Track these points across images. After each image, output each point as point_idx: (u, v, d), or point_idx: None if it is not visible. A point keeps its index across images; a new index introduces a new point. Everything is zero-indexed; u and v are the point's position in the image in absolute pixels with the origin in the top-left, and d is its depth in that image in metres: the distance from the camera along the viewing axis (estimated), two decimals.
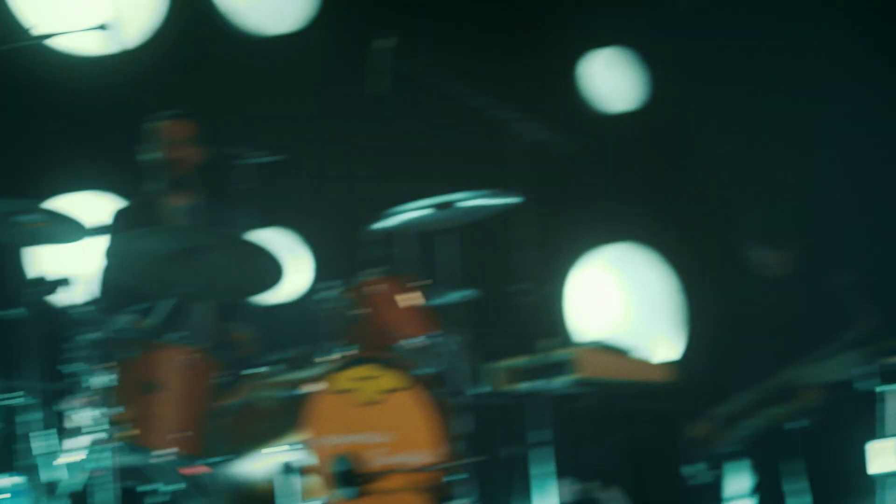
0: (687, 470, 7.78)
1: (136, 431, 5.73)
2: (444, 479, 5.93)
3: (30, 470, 5.59)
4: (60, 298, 5.64)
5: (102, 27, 5.90)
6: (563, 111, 9.91)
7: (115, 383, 5.65)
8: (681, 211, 10.43)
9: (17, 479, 5.54)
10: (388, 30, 6.51)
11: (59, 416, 5.73)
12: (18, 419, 5.65)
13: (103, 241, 6.34)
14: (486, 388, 7.57)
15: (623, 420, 7.89)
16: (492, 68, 9.19)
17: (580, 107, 10.42)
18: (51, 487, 5.62)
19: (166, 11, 8.72)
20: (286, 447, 5.68)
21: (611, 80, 10.58)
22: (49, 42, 6.95)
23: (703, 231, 10.26)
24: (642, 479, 8.79)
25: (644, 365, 7.75)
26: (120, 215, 6.95)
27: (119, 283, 6.11)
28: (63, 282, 5.44)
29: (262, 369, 6.21)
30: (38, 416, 5.48)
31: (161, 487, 6.12)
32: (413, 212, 6.78)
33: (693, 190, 10.40)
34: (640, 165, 10.58)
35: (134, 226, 6.59)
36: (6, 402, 5.82)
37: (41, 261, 7.96)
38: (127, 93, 8.45)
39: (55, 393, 5.55)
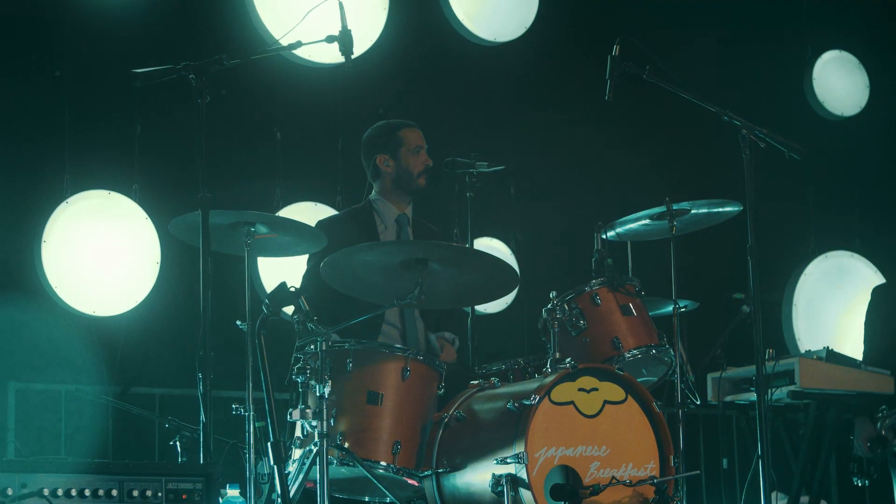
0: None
1: (356, 442, 5.77)
2: (662, 493, 5.86)
3: (254, 481, 5.69)
4: (291, 309, 5.72)
5: (332, 38, 5.98)
6: (790, 117, 9.82)
7: (337, 394, 5.70)
8: None
9: (238, 492, 5.63)
10: (608, 36, 6.49)
11: (285, 428, 5.83)
12: (246, 431, 5.74)
13: (317, 253, 6.42)
14: (706, 400, 7.50)
15: (842, 433, 7.73)
16: (717, 75, 9.14)
17: (805, 111, 10.29)
18: (270, 499, 5.72)
19: (390, 21, 8.86)
20: (503, 459, 5.66)
21: (837, 84, 10.42)
22: (284, 53, 7.11)
23: None
24: (854, 494, 8.62)
25: (869, 377, 7.58)
26: (330, 225, 6.87)
27: (339, 295, 6.13)
28: (300, 292, 5.50)
29: (482, 381, 6.22)
30: (264, 426, 5.56)
31: (378, 499, 6.25)
32: (636, 221, 6.78)
33: None
34: (861, 172, 10.41)
35: (351, 235, 6.59)
36: (235, 413, 5.94)
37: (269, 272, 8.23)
38: (350, 101, 8.61)
39: (281, 404, 5.63)
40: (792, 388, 7.37)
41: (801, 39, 10.37)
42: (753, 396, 7.03)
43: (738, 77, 9.73)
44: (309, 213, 8.36)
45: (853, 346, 8.92)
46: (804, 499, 7.59)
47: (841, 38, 10.53)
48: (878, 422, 7.38)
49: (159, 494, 4.96)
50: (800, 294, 10.11)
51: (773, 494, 7.21)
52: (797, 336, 10.02)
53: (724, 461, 8.43)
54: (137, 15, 8.14)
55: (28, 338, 7.59)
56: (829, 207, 10.32)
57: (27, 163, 7.95)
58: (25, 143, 7.95)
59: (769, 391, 7.20)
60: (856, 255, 10.39)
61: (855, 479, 7.50)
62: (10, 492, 4.78)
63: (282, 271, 7.75)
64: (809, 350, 7.83)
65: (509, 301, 8.95)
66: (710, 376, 7.68)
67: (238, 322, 5.80)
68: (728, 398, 7.66)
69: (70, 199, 7.97)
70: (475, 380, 6.22)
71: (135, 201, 8.11)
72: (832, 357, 7.53)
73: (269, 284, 8.06)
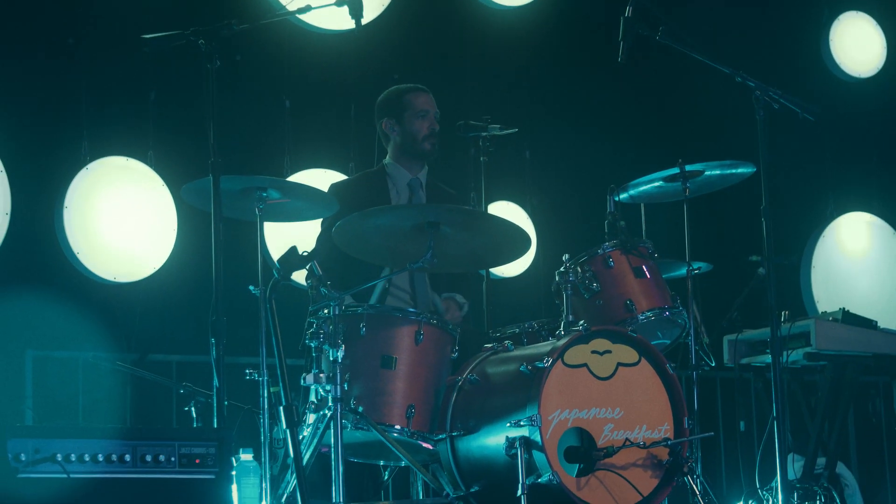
0: None
1: (370, 406, 5.78)
2: (676, 454, 5.86)
3: (268, 445, 5.70)
4: (303, 274, 5.72)
5: (341, 2, 5.96)
6: (807, 78, 9.77)
7: (350, 358, 5.70)
8: None
9: (251, 456, 5.65)
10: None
11: (299, 393, 5.84)
12: (260, 396, 5.74)
13: (330, 217, 6.42)
14: (723, 362, 7.50)
15: (857, 395, 7.72)
16: (733, 34, 9.10)
17: (822, 73, 10.24)
18: (285, 464, 5.74)
19: None
20: (517, 422, 5.67)
21: (854, 45, 10.36)
22: (294, 18, 7.09)
23: None
24: (871, 455, 8.61)
25: (886, 337, 7.57)
26: (342, 189, 6.89)
27: (351, 259, 6.14)
28: (311, 256, 5.49)
29: (495, 344, 6.21)
30: (278, 391, 5.57)
31: (393, 463, 6.26)
32: (650, 183, 6.78)
33: None
34: (879, 133, 10.36)
35: (362, 199, 6.56)
36: (249, 379, 5.94)
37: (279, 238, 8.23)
38: (364, 67, 8.60)
39: (295, 369, 5.63)
40: (808, 349, 7.36)
41: (817, 0, 10.31)
42: (769, 358, 7.01)
43: (756, 39, 9.68)
44: (320, 180, 8.34)
45: (871, 307, 8.91)
46: (821, 460, 7.58)
47: None
48: None
49: (172, 459, 4.98)
50: (818, 256, 10.08)
51: (790, 456, 7.21)
52: (816, 298, 9.99)
53: (742, 423, 8.42)
54: None
55: (47, 306, 7.62)
56: (847, 169, 10.27)
57: (45, 130, 7.98)
58: (43, 110, 7.97)
59: (785, 353, 7.18)
60: (874, 217, 10.34)
61: None
62: (23, 457, 4.80)
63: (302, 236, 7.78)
64: (825, 311, 7.81)
65: (527, 265, 8.95)
66: (726, 338, 7.68)
67: (251, 287, 5.80)
68: (744, 360, 7.66)
69: (90, 166, 8.00)
70: (489, 343, 6.23)
71: (151, 167, 8.13)
72: (848, 318, 7.51)
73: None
